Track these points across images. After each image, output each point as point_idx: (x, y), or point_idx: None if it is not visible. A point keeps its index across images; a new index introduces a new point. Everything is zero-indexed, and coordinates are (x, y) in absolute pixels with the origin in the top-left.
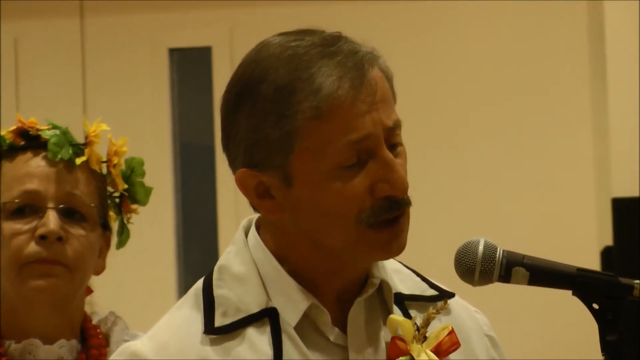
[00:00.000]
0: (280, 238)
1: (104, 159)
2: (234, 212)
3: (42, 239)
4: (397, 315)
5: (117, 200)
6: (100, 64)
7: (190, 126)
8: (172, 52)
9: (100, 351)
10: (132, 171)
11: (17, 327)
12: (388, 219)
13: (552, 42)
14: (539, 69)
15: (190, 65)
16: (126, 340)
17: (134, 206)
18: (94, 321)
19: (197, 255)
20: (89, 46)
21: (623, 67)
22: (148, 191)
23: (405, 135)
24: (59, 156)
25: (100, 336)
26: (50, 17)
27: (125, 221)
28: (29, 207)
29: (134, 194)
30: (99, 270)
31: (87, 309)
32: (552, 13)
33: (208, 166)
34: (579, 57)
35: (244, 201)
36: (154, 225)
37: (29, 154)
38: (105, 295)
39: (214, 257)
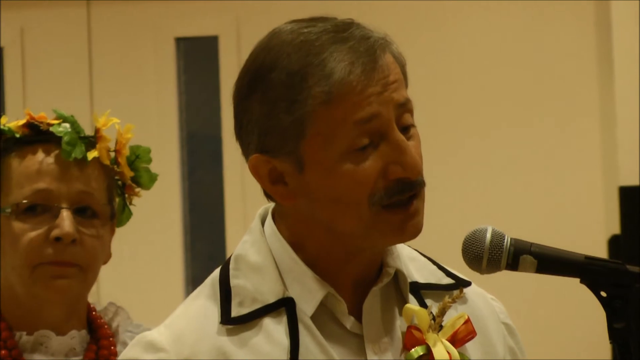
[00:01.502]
0: (295, 226)
1: (112, 149)
2: (241, 201)
3: (57, 240)
4: (412, 304)
5: (120, 183)
6: (106, 53)
7: (197, 116)
8: (179, 41)
9: (110, 341)
10: (137, 157)
11: (26, 319)
12: (401, 200)
13: (560, 37)
14: (547, 61)
15: (197, 54)
16: (129, 331)
17: (137, 189)
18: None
19: (204, 245)
20: (96, 35)
21: (630, 57)
22: (153, 177)
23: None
24: (73, 155)
25: (106, 326)
26: (57, 6)
27: (127, 202)
28: (41, 207)
29: (138, 178)
30: (106, 259)
31: (91, 298)
32: (559, 11)
33: (215, 156)
34: (587, 50)
35: (251, 191)
36: (161, 214)
37: (39, 151)
38: (112, 286)
39: (222, 246)
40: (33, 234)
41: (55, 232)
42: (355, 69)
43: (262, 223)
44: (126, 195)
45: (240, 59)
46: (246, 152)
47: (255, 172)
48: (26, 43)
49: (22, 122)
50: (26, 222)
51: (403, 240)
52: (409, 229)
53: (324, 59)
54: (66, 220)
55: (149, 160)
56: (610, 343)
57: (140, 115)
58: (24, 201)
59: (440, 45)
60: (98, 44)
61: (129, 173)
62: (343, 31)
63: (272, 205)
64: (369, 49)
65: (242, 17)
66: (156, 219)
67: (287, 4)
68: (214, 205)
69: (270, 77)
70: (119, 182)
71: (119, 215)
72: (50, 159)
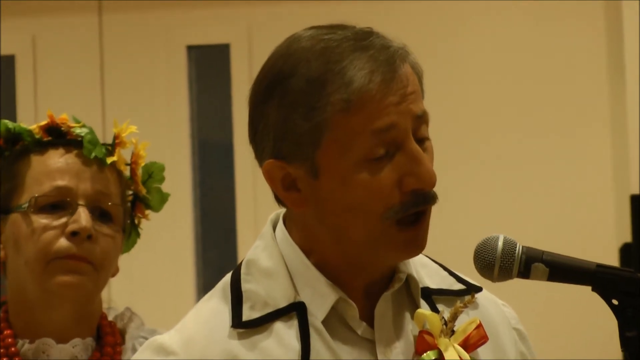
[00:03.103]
0: (306, 232)
1: (128, 162)
2: (253, 209)
3: (73, 235)
4: (424, 309)
5: (129, 204)
6: (118, 62)
7: (208, 124)
8: (190, 49)
9: (115, 349)
10: (150, 176)
11: (31, 325)
12: (413, 214)
13: (570, 42)
14: (558, 67)
15: (208, 62)
16: (142, 337)
17: (147, 212)
18: (110, 317)
19: (215, 252)
20: (107, 44)
21: None
22: (164, 198)
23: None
24: (94, 154)
25: (115, 333)
26: (69, 15)
27: (136, 222)
28: (59, 203)
29: (148, 200)
30: (114, 272)
31: (103, 304)
32: (569, 13)
33: (226, 164)
34: (597, 55)
35: (262, 198)
36: (173, 222)
37: (60, 150)
38: (124, 293)
39: (233, 254)
40: (50, 228)
41: (72, 227)
42: (375, 77)
43: (274, 228)
44: (135, 219)
45: (251, 67)
46: (260, 157)
47: (268, 177)
48: (38, 51)
49: (42, 123)
50: (43, 217)
51: (407, 258)
52: (412, 248)
53: (344, 66)
54: (83, 216)
55: (162, 180)
56: (622, 351)
57: (151, 123)
58: (41, 195)
59: (447, 51)
60: (110, 52)
61: (142, 190)
62: (363, 39)
63: (283, 210)
64: (389, 59)
65: (254, 25)
66: (167, 226)
67: (298, 12)
68: (226, 213)
69: (289, 82)
70: (128, 204)
71: (125, 240)
72: (70, 159)
